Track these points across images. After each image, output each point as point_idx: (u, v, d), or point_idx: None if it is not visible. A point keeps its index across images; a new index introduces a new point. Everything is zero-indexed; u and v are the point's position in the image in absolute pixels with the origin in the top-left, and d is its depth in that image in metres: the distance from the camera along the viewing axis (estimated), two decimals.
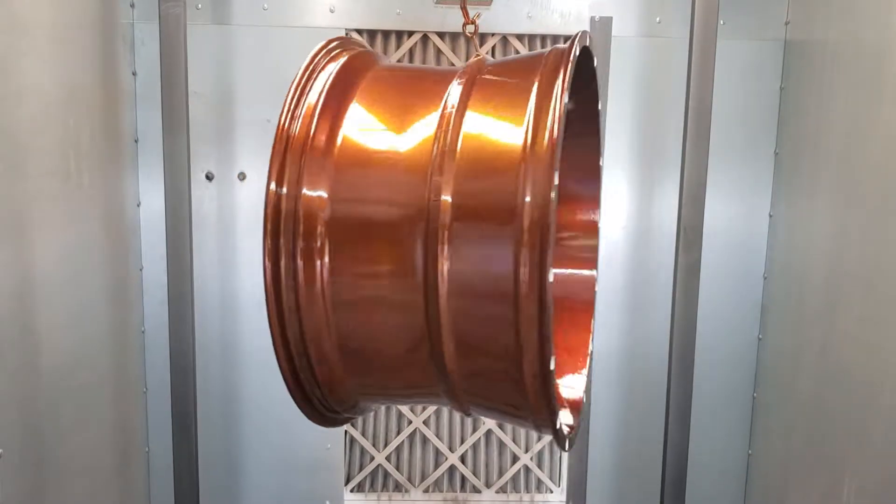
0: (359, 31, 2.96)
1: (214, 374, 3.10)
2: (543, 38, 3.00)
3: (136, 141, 2.95)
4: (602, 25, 2.88)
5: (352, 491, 3.25)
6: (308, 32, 2.95)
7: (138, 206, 2.99)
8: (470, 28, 1.73)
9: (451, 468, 3.27)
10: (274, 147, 1.37)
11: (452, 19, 2.95)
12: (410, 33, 2.98)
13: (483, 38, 2.99)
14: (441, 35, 2.99)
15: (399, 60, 2.99)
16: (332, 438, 3.19)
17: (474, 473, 3.27)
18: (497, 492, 3.29)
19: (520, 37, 2.99)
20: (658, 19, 3.01)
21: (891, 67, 2.33)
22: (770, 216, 3.11)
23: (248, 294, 3.09)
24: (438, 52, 3.00)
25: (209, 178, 2.98)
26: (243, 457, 3.19)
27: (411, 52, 3.00)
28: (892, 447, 2.31)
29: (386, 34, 2.99)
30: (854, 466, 2.50)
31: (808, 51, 2.88)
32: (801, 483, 2.87)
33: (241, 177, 3.00)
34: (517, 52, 2.99)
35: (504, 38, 2.99)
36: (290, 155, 1.36)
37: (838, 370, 2.60)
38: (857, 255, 2.50)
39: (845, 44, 2.61)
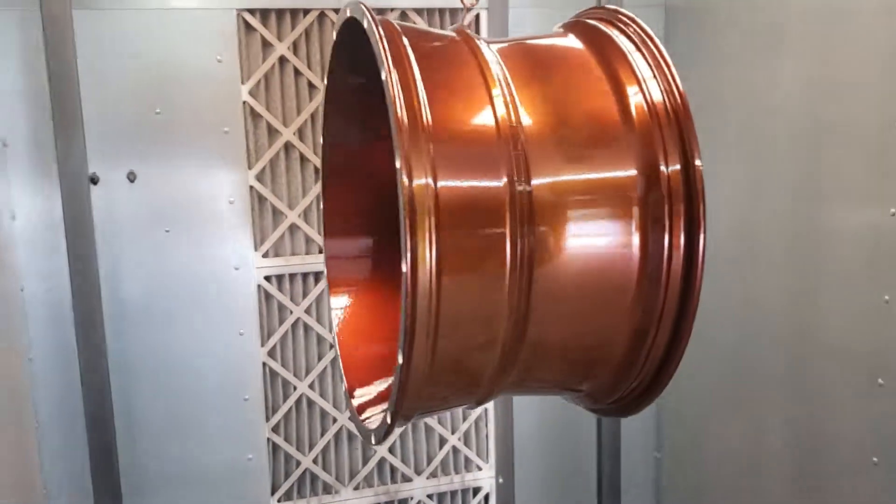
0: (251, 11, 2.76)
1: (120, 391, 2.78)
2: (441, 10, 2.94)
3: (4, 146, 2.59)
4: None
5: (279, 500, 3.07)
6: (196, 14, 2.70)
7: (13, 219, 2.63)
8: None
9: (381, 461, 3.17)
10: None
11: None
12: (307, 11, 2.82)
13: (381, 13, 2.89)
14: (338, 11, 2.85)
15: (295, 41, 2.82)
16: (253, 448, 2.99)
17: (404, 462, 3.19)
18: (428, 477, 3.24)
19: (418, 10, 2.91)
20: None
21: (786, 17, 2.50)
22: None
23: (148, 306, 2.82)
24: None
25: (94, 181, 2.67)
26: (160, 476, 2.91)
27: (307, 32, 2.84)
28: (807, 386, 2.50)
29: (280, 13, 2.80)
30: (775, 418, 2.68)
31: (691, 12, 3.02)
32: (718, 430, 3.04)
33: (132, 177, 2.71)
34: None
35: (403, 13, 2.90)
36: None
37: (755, 320, 2.77)
38: (764, 205, 2.67)
39: (727, 3, 2.77)
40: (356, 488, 3.15)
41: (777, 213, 2.62)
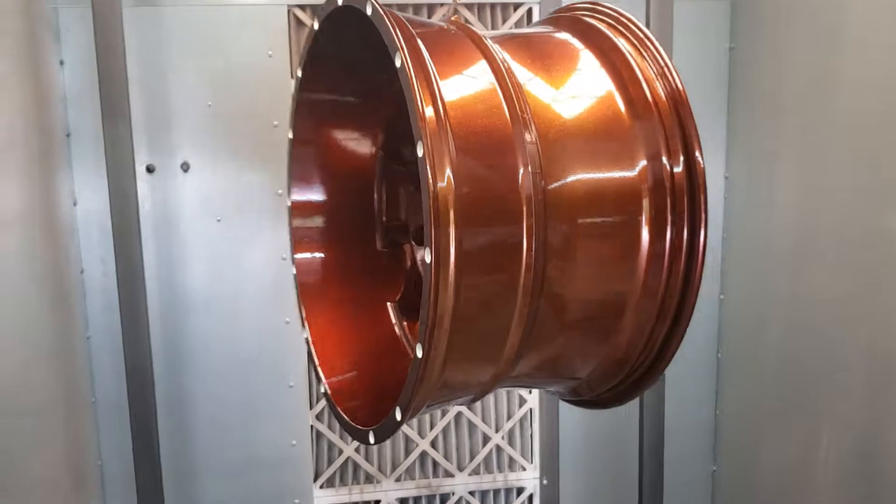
0: (301, 7, 2.82)
1: (167, 376, 2.92)
2: (493, 6, 2.91)
3: (67, 135, 2.74)
4: None
5: (321, 487, 3.13)
6: (246, 11, 2.79)
7: (74, 205, 2.79)
8: None
9: (423, 454, 3.19)
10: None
11: None
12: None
13: (431, 9, 2.89)
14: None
15: None
16: (297, 435, 3.07)
17: (446, 458, 3.20)
18: (470, 474, 3.23)
19: (469, 6, 2.90)
20: None
21: (850, 16, 2.35)
22: (726, 178, 3.12)
23: (197, 293, 2.93)
24: None
25: (150, 170, 2.80)
26: (205, 461, 3.03)
27: None
28: (869, 393, 2.34)
29: None
30: (830, 424, 2.53)
31: (756, 7, 2.88)
32: (773, 439, 2.90)
33: (185, 167, 2.83)
34: (467, 21, 2.90)
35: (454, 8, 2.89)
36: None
37: (808, 327, 2.62)
38: (821, 209, 2.52)
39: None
40: (398, 480, 3.18)
41: (837, 215, 2.47)
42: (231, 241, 2.92)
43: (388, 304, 1.67)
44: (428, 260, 1.07)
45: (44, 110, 2.61)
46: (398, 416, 1.21)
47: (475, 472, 3.23)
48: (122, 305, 2.57)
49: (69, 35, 2.69)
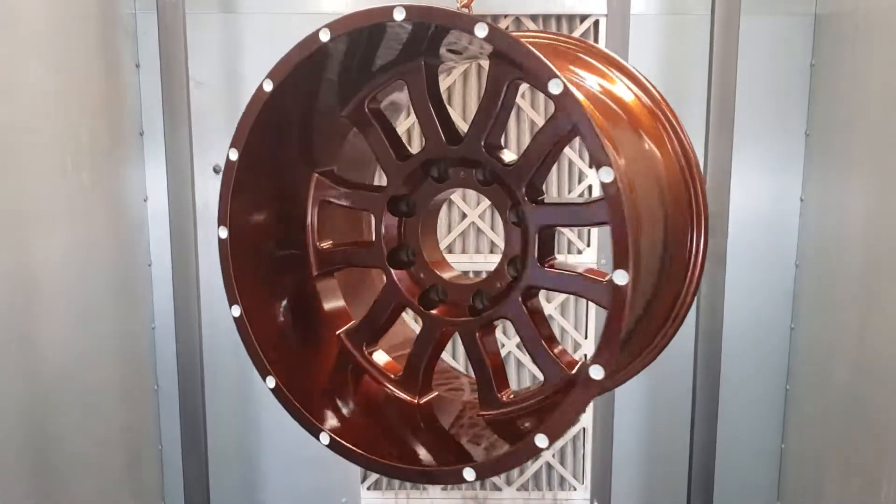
0: None
1: (225, 370, 3.03)
2: (558, 17, 2.87)
3: (140, 134, 2.88)
4: (620, 3, 2.74)
5: (368, 489, 3.17)
6: (314, 19, 2.85)
7: (145, 200, 2.93)
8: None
9: None
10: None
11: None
12: None
13: (495, 20, 2.87)
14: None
15: None
16: None
17: None
18: (518, 489, 3.19)
19: (533, 17, 2.86)
20: None
21: None
22: (801, 200, 2.96)
23: None
24: None
25: (217, 171, 2.90)
26: (257, 454, 3.13)
27: None
28: None
29: None
30: (893, 464, 2.36)
31: (839, 24, 2.72)
32: (837, 478, 2.73)
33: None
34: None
35: (517, 19, 2.86)
36: None
37: (876, 361, 2.45)
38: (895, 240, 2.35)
39: (880, 15, 2.45)
40: (444, 489, 3.18)
41: None
42: None
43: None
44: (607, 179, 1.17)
45: (119, 110, 2.75)
46: (598, 375, 1.23)
47: (523, 487, 3.19)
48: (176, 298, 2.68)
49: (146, 39, 2.82)
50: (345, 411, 1.73)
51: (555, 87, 1.19)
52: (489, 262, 2.91)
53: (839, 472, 2.72)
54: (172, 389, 3.03)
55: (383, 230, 1.60)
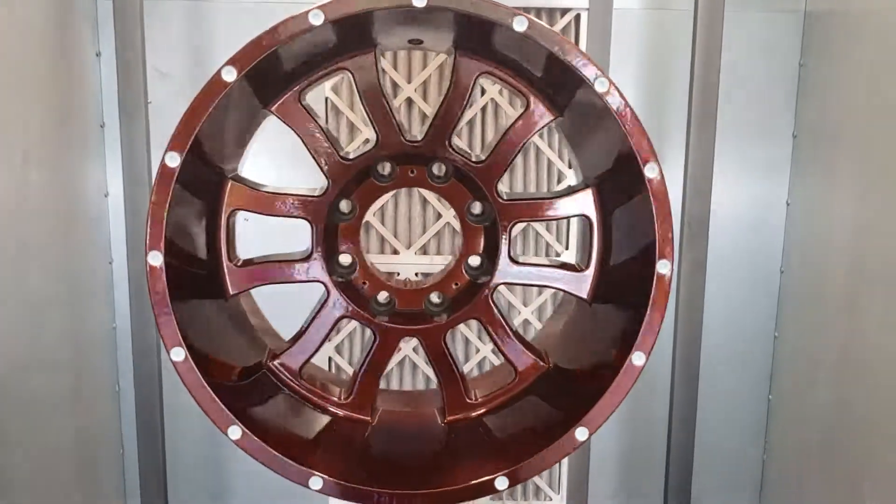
0: None
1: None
2: (538, 10, 2.75)
3: (101, 126, 2.77)
4: None
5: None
6: (288, 7, 2.72)
7: (106, 195, 2.81)
8: None
9: None
10: None
11: None
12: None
13: None
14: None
15: None
16: None
17: None
18: (492, 498, 3.09)
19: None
20: None
21: None
22: (787, 204, 2.85)
23: None
24: None
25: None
26: (224, 455, 3.02)
27: None
28: None
29: None
30: (875, 473, 2.27)
31: (830, 23, 2.61)
32: (819, 488, 2.64)
33: None
34: None
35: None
36: None
37: (860, 370, 2.35)
38: (882, 247, 2.25)
39: (872, 14, 2.34)
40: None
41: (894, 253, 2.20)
42: (257, 241, 2.87)
43: None
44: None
45: (77, 101, 2.63)
46: (640, 361, 1.31)
47: (497, 497, 3.10)
48: (132, 297, 2.60)
49: (106, 26, 2.70)
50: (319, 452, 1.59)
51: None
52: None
53: (821, 482, 2.62)
54: (131, 389, 2.93)
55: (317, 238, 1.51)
